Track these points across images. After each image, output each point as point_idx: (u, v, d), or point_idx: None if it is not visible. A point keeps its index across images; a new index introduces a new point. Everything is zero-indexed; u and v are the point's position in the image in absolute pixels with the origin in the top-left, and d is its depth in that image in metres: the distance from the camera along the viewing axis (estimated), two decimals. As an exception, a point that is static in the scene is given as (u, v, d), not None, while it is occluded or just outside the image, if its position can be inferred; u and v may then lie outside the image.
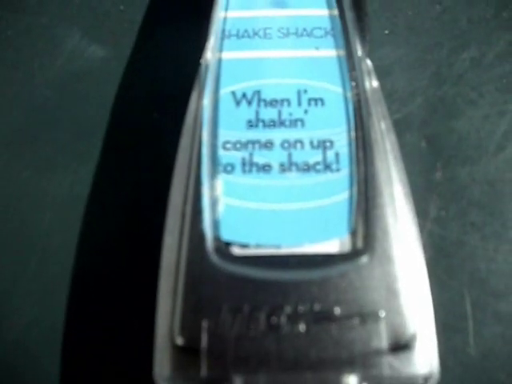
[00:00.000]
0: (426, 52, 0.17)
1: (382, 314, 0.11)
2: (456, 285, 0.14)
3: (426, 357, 0.11)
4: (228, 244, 0.12)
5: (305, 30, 0.15)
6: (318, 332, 0.11)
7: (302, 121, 0.13)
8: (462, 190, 0.15)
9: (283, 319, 0.11)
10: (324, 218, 0.12)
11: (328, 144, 0.13)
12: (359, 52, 0.14)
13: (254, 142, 0.13)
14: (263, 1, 0.15)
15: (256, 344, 0.10)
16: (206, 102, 0.13)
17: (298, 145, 0.13)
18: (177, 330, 0.11)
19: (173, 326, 0.11)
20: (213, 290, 0.11)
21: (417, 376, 0.10)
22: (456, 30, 0.17)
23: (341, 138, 0.13)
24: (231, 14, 0.15)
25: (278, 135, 0.13)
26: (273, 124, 0.13)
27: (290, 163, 0.13)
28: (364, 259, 0.11)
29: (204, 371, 0.10)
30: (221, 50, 0.14)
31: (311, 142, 0.13)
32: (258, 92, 0.14)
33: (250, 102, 0.13)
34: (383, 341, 0.10)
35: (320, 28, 0.15)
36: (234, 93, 0.14)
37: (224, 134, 0.13)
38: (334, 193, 0.12)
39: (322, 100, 0.13)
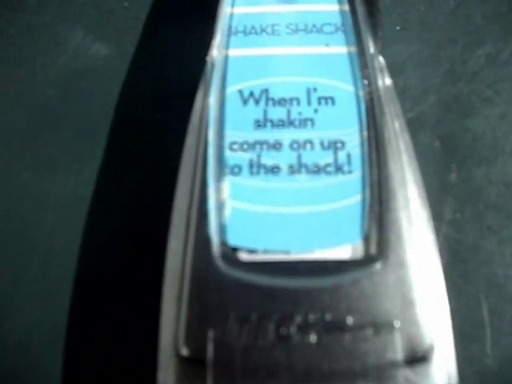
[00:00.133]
0: (439, 49, 0.17)
1: (397, 323, 0.10)
2: (472, 291, 0.13)
3: (443, 369, 0.10)
4: (235, 249, 0.11)
5: (314, 26, 0.14)
6: (329, 343, 0.10)
7: (311, 120, 0.13)
8: (477, 191, 0.15)
9: (293, 329, 0.10)
10: (335, 223, 0.11)
11: (339, 145, 0.12)
12: (371, 49, 0.14)
13: (261, 143, 0.12)
14: (271, -4, 0.15)
15: (264, 355, 0.10)
16: (212, 100, 0.13)
17: (308, 145, 0.12)
18: (181, 339, 0.10)
19: (177, 336, 0.10)
20: (219, 298, 0.11)
21: (434, 390, 0.10)
22: (470, 25, 0.17)
23: (352, 139, 0.12)
24: (238, 9, 0.15)
25: (286, 135, 0.13)
26: (281, 124, 0.13)
27: (300, 165, 0.12)
28: (377, 266, 0.11)
29: (210, 383, 0.10)
30: (227, 47, 0.14)
31: (322, 143, 0.12)
32: (265, 90, 0.13)
33: (257, 101, 0.13)
34: (398, 352, 0.10)
35: (330, 24, 0.14)
36: (240, 91, 0.13)
37: (231, 135, 0.13)
38: (345, 196, 0.12)
39: (332, 99, 0.13)
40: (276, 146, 0.12)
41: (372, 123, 0.12)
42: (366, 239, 0.11)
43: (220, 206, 0.12)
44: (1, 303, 0.14)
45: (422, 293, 0.11)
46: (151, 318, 0.11)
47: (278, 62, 0.14)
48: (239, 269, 0.11)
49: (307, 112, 0.13)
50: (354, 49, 0.14)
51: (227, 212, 0.12)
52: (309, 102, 0.13)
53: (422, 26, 0.17)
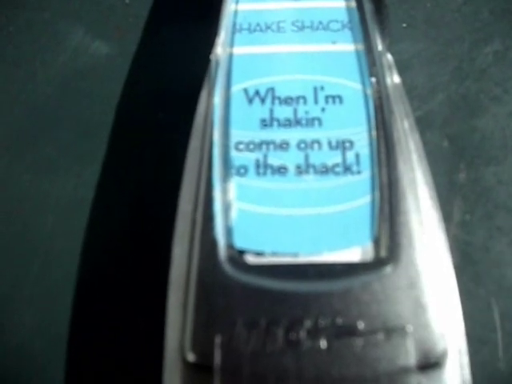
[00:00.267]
0: (446, 46, 0.17)
1: (410, 328, 0.10)
2: (483, 293, 0.13)
3: (457, 375, 0.10)
4: (242, 252, 0.11)
5: (320, 23, 0.14)
6: (340, 348, 0.10)
7: (319, 120, 0.12)
8: (487, 192, 0.14)
9: (303, 334, 0.10)
10: (344, 225, 0.11)
11: (347, 144, 0.12)
12: (379, 46, 0.13)
13: (268, 143, 0.12)
14: (276, -8, 0.15)
15: (273, 361, 0.10)
16: (217, 100, 0.13)
17: (316, 145, 0.12)
18: (188, 345, 0.10)
19: (183, 341, 0.10)
20: (226, 303, 0.10)
21: (448, 396, 0.10)
22: (478, 22, 0.17)
23: (361, 138, 0.12)
24: (242, 6, 0.14)
25: (293, 135, 0.12)
26: (288, 123, 0.12)
27: (307, 165, 0.12)
28: (388, 269, 0.11)
29: (217, 390, 0.10)
30: (232, 44, 0.14)
31: (329, 143, 0.12)
32: (271, 89, 0.13)
33: (263, 100, 0.13)
34: (411, 358, 0.10)
35: (337, 21, 0.14)
36: (246, 90, 0.13)
37: (236, 134, 0.12)
38: (354, 197, 0.11)
39: (340, 97, 0.13)
40: (283, 145, 0.12)
41: (381, 122, 0.12)
42: (376, 241, 0.11)
43: (226, 208, 0.11)
44: (2, 305, 0.13)
45: (435, 296, 0.10)
46: (153, 319, 0.11)
47: (283, 60, 0.14)
48: (246, 272, 0.11)
49: (314, 111, 0.13)
50: (361, 46, 0.14)
51: (233, 214, 0.11)
52: (316, 101, 0.13)
53: (429, 24, 0.17)
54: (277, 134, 0.12)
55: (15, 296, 0.13)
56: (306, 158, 0.12)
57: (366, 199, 0.11)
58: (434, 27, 0.17)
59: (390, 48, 0.14)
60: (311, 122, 0.12)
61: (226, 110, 0.13)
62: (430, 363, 0.10)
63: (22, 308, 0.13)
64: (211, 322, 0.10)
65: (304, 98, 0.13)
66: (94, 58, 0.17)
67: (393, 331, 0.10)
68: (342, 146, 0.12)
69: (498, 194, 0.14)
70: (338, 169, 0.12)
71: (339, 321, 0.10)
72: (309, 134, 0.12)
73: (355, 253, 0.11)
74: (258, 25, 0.14)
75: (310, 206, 0.11)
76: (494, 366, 0.12)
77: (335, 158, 0.12)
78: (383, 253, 0.11)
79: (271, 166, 0.12)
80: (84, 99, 0.16)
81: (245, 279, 0.11)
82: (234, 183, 0.12)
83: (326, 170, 0.12)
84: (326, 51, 0.14)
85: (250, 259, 0.11)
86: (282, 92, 0.13)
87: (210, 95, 0.13)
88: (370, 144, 0.12)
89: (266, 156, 0.12)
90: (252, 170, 0.12)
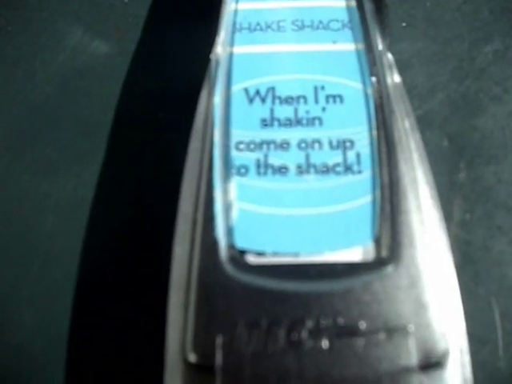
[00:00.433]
0: (446, 45, 0.17)
1: (411, 328, 0.10)
2: (483, 293, 0.13)
3: (459, 375, 0.10)
4: (243, 252, 0.11)
5: (321, 22, 0.14)
6: (341, 348, 0.10)
7: (319, 119, 0.12)
8: (487, 191, 0.14)
9: (304, 334, 0.10)
10: (345, 224, 0.11)
11: (348, 144, 0.12)
12: (379, 45, 0.13)
13: (268, 143, 0.12)
14: (276, -8, 0.15)
15: (275, 361, 0.10)
16: (217, 99, 0.13)
17: (316, 145, 0.12)
18: (189, 346, 0.10)
19: (185, 342, 0.10)
20: (227, 303, 0.10)
21: (449, 396, 0.10)
22: (477, 21, 0.17)
23: (362, 138, 0.12)
24: (242, 5, 0.14)
25: (294, 135, 0.12)
26: (289, 123, 0.12)
27: (308, 165, 0.12)
28: (389, 269, 0.11)
29: (219, 391, 0.10)
30: (232, 44, 0.14)
31: (330, 142, 0.12)
32: (272, 89, 0.13)
33: (263, 100, 0.13)
34: (412, 358, 0.10)
35: (337, 20, 0.14)
36: (246, 90, 0.13)
37: (237, 134, 0.12)
38: (355, 196, 0.11)
39: (340, 97, 0.13)
40: (283, 145, 0.12)
41: (382, 122, 0.12)
42: (377, 241, 0.11)
43: (227, 208, 0.11)
44: (2, 305, 0.13)
45: (436, 296, 0.10)
46: (153, 319, 0.11)
47: (284, 60, 0.13)
48: (247, 272, 0.11)
49: (315, 110, 0.13)
50: (361, 45, 0.13)
51: (234, 214, 0.11)
52: (316, 101, 0.13)
53: (429, 23, 0.17)
54: (277, 134, 0.12)
55: (15, 296, 0.13)
56: (307, 157, 0.12)
57: (366, 199, 0.11)
58: (433, 26, 0.17)
59: (390, 47, 0.14)
60: (312, 121, 0.12)
61: (226, 109, 0.13)
62: (432, 363, 0.10)
63: (21, 308, 0.13)
64: (212, 323, 0.10)
65: (304, 97, 0.13)
66: (93, 57, 0.17)
67: (394, 331, 0.10)
68: (343, 145, 0.12)
69: (498, 194, 0.14)
70: (338, 168, 0.12)
71: (340, 321, 0.10)
72: (309, 133, 0.12)
73: (356, 252, 0.11)
74: (258, 24, 0.14)
75: (310, 206, 0.11)
76: (494, 365, 0.12)
77: (336, 157, 0.12)
78: (384, 252, 0.11)
79: (272, 166, 0.12)
80: (83, 99, 0.16)
81: (246, 279, 0.11)
82: (234, 183, 0.12)
83: (326, 170, 0.12)
84: (327, 51, 0.14)
85: (251, 259, 0.11)
86: (282, 91, 0.13)
87: (211, 95, 0.13)
88: (371, 143, 0.12)
89: (266, 156, 0.12)
90: (253, 169, 0.12)
